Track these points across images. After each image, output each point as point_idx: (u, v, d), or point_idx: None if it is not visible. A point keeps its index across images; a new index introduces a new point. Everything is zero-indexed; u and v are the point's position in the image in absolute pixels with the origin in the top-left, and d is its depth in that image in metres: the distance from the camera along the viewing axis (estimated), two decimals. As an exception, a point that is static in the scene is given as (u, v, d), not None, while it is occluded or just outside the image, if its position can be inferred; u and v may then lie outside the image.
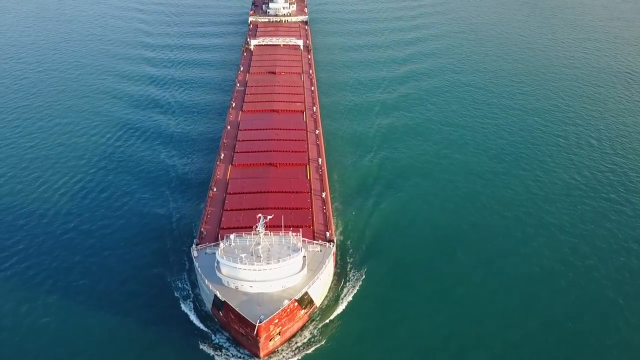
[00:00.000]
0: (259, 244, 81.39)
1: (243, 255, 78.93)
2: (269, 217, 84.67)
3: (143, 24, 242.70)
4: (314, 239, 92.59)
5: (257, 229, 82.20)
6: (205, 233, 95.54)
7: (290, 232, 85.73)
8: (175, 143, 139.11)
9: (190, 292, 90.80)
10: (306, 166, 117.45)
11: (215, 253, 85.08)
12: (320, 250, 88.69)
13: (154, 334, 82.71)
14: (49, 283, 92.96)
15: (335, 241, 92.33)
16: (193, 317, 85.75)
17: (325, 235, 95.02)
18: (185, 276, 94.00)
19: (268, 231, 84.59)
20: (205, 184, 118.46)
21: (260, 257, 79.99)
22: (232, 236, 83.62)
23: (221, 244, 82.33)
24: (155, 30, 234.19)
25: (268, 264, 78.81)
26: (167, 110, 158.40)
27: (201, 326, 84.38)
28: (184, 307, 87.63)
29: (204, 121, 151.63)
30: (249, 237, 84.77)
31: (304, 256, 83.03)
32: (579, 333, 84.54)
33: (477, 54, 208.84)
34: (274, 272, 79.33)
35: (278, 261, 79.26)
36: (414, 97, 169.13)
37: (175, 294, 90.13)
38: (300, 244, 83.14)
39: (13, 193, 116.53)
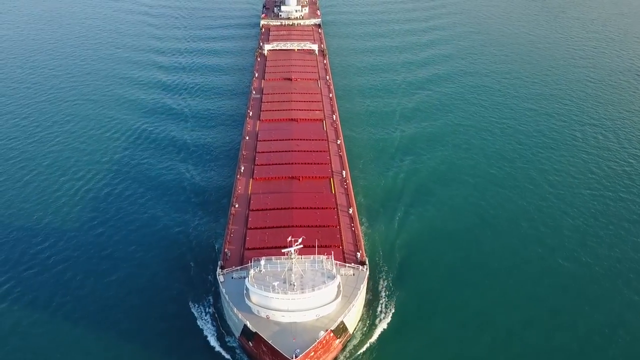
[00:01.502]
0: (291, 269, 76.49)
1: (275, 284, 74.05)
2: (299, 240, 79.57)
3: (153, 28, 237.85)
4: (345, 261, 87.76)
5: (289, 253, 77.19)
6: (229, 254, 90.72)
7: (323, 256, 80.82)
8: (191, 153, 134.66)
9: (213, 317, 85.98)
10: (330, 179, 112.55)
11: (242, 278, 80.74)
12: (354, 274, 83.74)
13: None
14: (59, 301, 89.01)
15: (367, 263, 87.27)
16: (215, 344, 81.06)
17: (356, 256, 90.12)
18: (209, 299, 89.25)
19: (299, 254, 79.79)
20: (224, 196, 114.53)
21: (294, 285, 75.10)
22: (262, 262, 78.77)
23: (251, 271, 77.45)
24: (165, 34, 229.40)
25: (302, 292, 73.93)
26: (180, 117, 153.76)
27: (226, 356, 79.63)
28: (206, 333, 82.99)
29: (219, 129, 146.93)
30: (279, 261, 79.99)
31: (339, 283, 78.10)
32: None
33: (492, 55, 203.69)
34: (309, 301, 74.52)
35: (313, 289, 74.40)
36: (435, 101, 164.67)
37: (197, 320, 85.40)
38: (334, 270, 78.23)
39: (17, 207, 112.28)
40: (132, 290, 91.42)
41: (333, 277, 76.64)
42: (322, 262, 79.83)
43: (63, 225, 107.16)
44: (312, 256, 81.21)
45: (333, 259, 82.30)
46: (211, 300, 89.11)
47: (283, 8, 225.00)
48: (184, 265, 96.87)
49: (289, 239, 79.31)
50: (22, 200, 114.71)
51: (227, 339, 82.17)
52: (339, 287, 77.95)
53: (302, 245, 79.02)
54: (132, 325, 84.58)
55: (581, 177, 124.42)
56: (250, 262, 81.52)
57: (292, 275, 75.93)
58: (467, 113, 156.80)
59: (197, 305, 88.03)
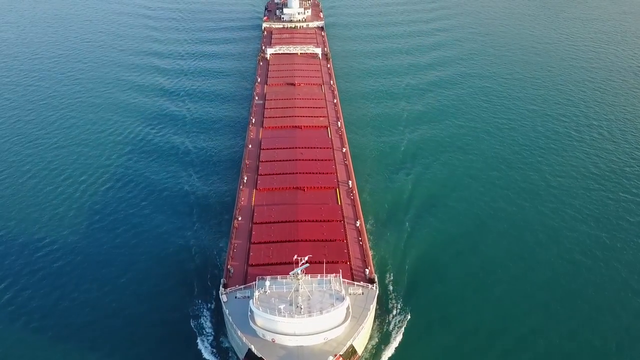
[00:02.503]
0: (297, 290, 72.74)
1: (282, 307, 70.35)
2: (305, 258, 75.81)
3: (153, 31, 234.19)
4: (353, 278, 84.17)
5: (295, 273, 73.45)
6: (232, 271, 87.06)
7: (331, 276, 77.10)
8: (191, 161, 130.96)
9: (214, 335, 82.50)
10: (336, 189, 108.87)
11: (246, 297, 77.36)
12: (363, 293, 79.99)
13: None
14: (56, 315, 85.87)
15: (377, 281, 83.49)
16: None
17: (364, 272, 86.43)
18: (208, 315, 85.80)
19: (305, 273, 76.11)
20: (225, 205, 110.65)
21: (301, 307, 71.38)
22: (267, 282, 75.04)
23: (255, 292, 73.73)
24: (165, 37, 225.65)
25: (310, 316, 70.24)
26: (182, 123, 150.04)
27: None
28: (205, 355, 79.53)
29: (221, 136, 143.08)
30: (285, 280, 76.32)
31: (349, 305, 74.38)
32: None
33: (498, 56, 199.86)
34: (316, 324, 70.80)
35: (321, 312, 70.71)
36: (441, 105, 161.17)
37: (197, 338, 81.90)
38: (343, 291, 74.52)
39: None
40: (125, 307, 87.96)
41: (342, 299, 72.94)
42: (330, 282, 76.16)
43: (62, 231, 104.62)
44: (319, 275, 77.54)
45: (341, 277, 78.68)
46: (212, 318, 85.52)
47: (285, 10, 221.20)
48: (185, 280, 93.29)
49: (295, 257, 75.69)
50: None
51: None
52: (348, 308, 74.25)
53: (308, 264, 75.46)
54: (126, 341, 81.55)
55: (598, 186, 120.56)
56: (255, 281, 77.87)
57: (299, 296, 72.22)
58: (476, 117, 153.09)
59: (197, 322, 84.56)
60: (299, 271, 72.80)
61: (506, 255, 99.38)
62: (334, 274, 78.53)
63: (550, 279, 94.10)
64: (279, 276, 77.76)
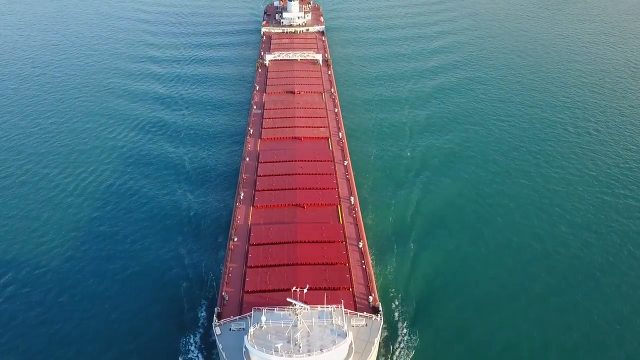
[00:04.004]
0: (296, 325, 67.25)
1: (279, 345, 64.83)
2: (304, 289, 70.33)
3: (149, 35, 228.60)
4: (356, 307, 78.80)
5: (294, 307, 67.98)
6: (227, 298, 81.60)
7: (331, 308, 71.57)
8: (187, 174, 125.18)
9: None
10: (337, 207, 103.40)
11: (241, 329, 72.01)
12: (366, 325, 74.45)
13: None
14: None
15: (381, 310, 77.91)
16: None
17: (368, 300, 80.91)
18: (199, 350, 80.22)
19: (305, 302, 70.75)
20: (221, 223, 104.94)
21: (299, 345, 65.85)
22: (263, 316, 69.46)
23: (251, 328, 68.18)
24: (162, 42, 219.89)
25: (310, 355, 64.73)
26: (175, 134, 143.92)
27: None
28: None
29: (218, 148, 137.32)
30: (282, 313, 70.84)
31: (351, 341, 68.85)
32: None
33: (505, 60, 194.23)
34: (316, 363, 65.34)
35: (321, 351, 65.18)
36: (447, 112, 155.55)
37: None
38: (345, 326, 68.95)
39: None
40: (111, 335, 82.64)
41: (344, 336, 67.39)
42: (331, 314, 70.63)
43: (49, 257, 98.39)
44: (319, 306, 72.08)
45: (343, 308, 73.22)
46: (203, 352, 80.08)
47: (285, 15, 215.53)
48: (176, 309, 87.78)
49: (293, 289, 70.20)
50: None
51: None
52: (350, 344, 68.73)
53: (307, 290, 70.35)
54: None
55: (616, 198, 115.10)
56: (251, 314, 72.48)
57: (298, 332, 66.72)
58: (484, 125, 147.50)
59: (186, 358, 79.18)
60: (298, 305, 67.30)
61: (521, 276, 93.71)
62: (335, 305, 73.13)
63: (569, 304, 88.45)
64: (276, 308, 72.31)
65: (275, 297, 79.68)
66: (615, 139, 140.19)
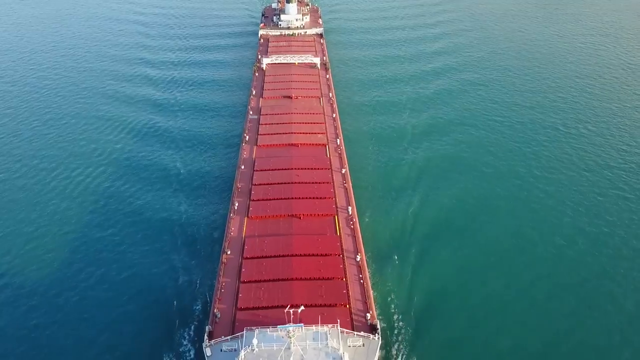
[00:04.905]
0: (289, 348, 64.15)
1: (270, 371, 61.90)
2: (298, 310, 67.32)
3: (144, 37, 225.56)
4: (353, 325, 75.66)
5: (287, 329, 64.89)
6: (219, 316, 78.48)
7: (326, 329, 68.44)
8: (180, 182, 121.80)
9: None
10: (334, 217, 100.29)
11: (233, 350, 68.94)
12: (363, 345, 71.33)
13: None
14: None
15: (379, 329, 74.77)
16: None
17: (365, 318, 77.79)
18: None
19: (299, 321, 67.80)
20: (216, 232, 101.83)
21: (292, 370, 62.90)
22: (254, 339, 66.29)
23: (242, 352, 65.10)
24: (157, 44, 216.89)
25: (303, 381, 61.79)
26: (170, 141, 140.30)
27: None
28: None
29: (214, 155, 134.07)
30: (275, 334, 67.74)
31: (347, 366, 65.93)
32: None
33: (507, 63, 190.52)
34: (310, 390, 62.33)
35: (315, 376, 62.23)
36: (449, 118, 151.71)
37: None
38: (341, 350, 65.88)
39: None
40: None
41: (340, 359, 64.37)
42: (326, 335, 67.52)
43: (33, 269, 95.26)
44: (314, 326, 69.03)
45: (339, 328, 70.12)
46: None
47: (283, 17, 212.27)
48: (165, 325, 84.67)
49: (286, 309, 67.12)
50: None
51: None
52: (346, 370, 65.76)
53: (301, 310, 67.29)
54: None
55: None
56: (243, 332, 69.41)
57: (291, 356, 63.61)
58: (488, 131, 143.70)
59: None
60: (291, 328, 64.21)
61: (531, 295, 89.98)
62: (331, 325, 70.11)
63: (578, 324, 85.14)
64: (269, 328, 69.22)
65: (269, 314, 76.75)
66: None
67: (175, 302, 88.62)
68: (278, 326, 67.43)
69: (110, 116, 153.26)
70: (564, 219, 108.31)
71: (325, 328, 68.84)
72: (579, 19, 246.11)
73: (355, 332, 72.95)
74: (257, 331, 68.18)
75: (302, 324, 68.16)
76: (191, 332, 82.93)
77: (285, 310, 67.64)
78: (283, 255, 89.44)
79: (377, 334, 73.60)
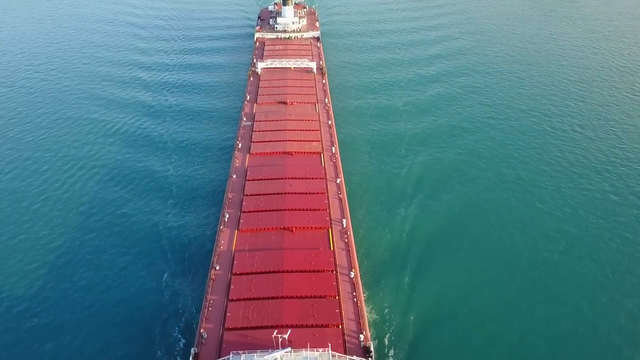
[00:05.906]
0: (277, 376, 60.94)
1: (257, 401, 58.51)
2: (286, 336, 63.95)
3: (137, 40, 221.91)
4: (345, 347, 72.14)
5: (275, 357, 61.51)
6: (205, 336, 74.96)
7: (318, 353, 65.06)
8: (171, 192, 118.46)
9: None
10: (328, 230, 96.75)
11: (219, 374, 65.35)
12: (356, 369, 68.04)
13: None
14: None
15: (373, 351, 71.36)
16: None
17: (358, 339, 74.31)
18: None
19: (289, 343, 64.47)
20: (206, 246, 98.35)
21: (280, 400, 59.53)
22: (240, 364, 63.06)
23: (227, 380, 61.82)
24: (151, 47, 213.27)
25: (291, 413, 58.37)
26: (162, 148, 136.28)
27: None
28: None
29: (207, 163, 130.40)
30: (264, 358, 64.23)
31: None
32: None
33: (508, 68, 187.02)
34: (299, 422, 58.91)
35: (305, 408, 58.84)
36: (447, 126, 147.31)
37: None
38: (333, 378, 62.60)
39: None
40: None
41: (331, 390, 61.09)
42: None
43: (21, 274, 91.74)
44: (304, 350, 65.63)
45: (330, 352, 66.69)
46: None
47: (279, 20, 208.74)
48: (149, 346, 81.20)
49: (274, 334, 63.66)
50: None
51: None
52: (339, 399, 62.41)
53: (289, 334, 63.89)
54: None
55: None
56: (229, 357, 65.93)
57: (279, 385, 60.41)
58: (487, 140, 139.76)
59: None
60: (278, 355, 60.80)
61: (535, 315, 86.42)
62: (322, 349, 66.70)
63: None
64: (256, 353, 65.73)
65: (258, 335, 73.27)
66: None
67: (159, 319, 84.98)
68: (265, 355, 63.95)
69: (102, 119, 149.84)
70: (577, 245, 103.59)
71: (316, 353, 65.46)
72: (587, 22, 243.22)
73: (348, 356, 69.50)
74: (243, 357, 64.74)
75: (291, 349, 64.86)
76: (181, 348, 79.45)
77: (273, 336, 64.23)
78: (274, 272, 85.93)
79: (370, 357, 70.20)
